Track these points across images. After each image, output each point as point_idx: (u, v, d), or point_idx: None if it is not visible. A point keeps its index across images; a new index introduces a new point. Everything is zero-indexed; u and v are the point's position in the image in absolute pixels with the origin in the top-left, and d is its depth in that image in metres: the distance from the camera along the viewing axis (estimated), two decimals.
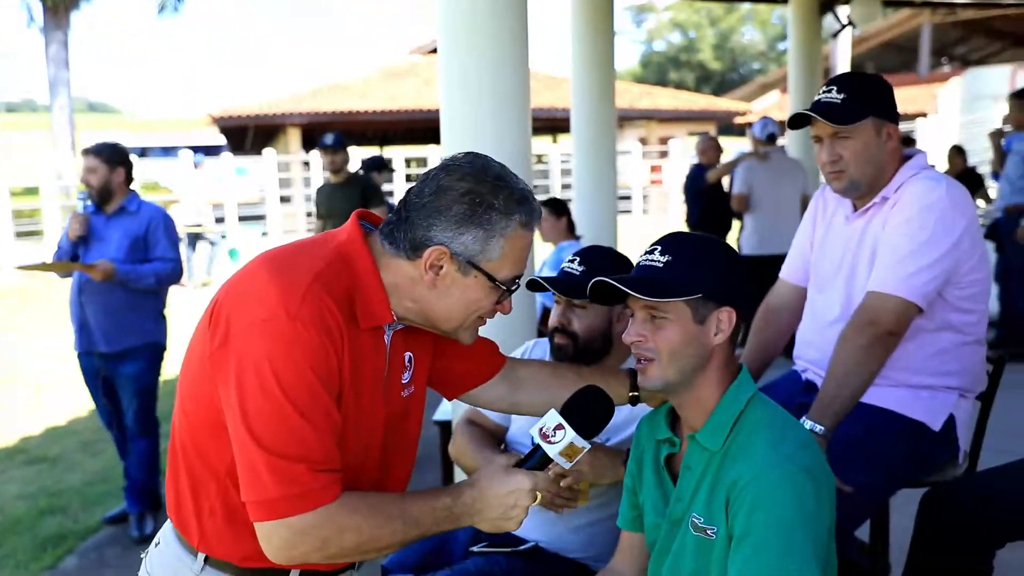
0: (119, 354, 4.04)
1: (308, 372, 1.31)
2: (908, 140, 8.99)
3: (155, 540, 1.58)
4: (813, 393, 2.20)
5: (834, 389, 2.10)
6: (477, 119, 3.12)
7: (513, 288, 1.48)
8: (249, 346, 1.31)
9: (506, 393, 1.78)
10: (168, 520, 1.55)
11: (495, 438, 2.30)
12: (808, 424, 2.09)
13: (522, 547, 2.12)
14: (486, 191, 1.40)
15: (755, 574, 1.43)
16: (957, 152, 8.84)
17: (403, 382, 1.55)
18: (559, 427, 1.44)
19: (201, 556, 1.46)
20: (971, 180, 8.57)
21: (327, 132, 6.35)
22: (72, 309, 4.11)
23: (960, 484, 2.26)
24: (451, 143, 3.15)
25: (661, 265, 1.56)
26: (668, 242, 1.60)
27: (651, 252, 1.60)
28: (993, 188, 9.73)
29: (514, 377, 1.78)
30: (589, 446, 1.45)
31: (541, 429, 1.45)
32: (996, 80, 18.30)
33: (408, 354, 1.56)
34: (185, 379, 1.45)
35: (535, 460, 1.46)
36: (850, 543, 2.31)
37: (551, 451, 1.44)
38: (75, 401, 6.70)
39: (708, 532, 1.54)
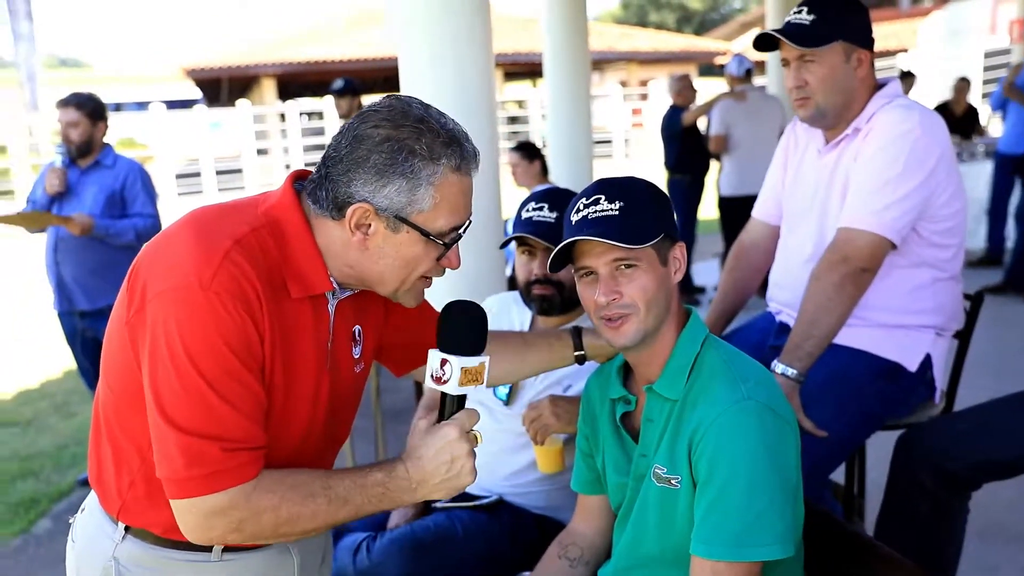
0: (100, 311, 3.96)
1: (221, 346, 1.22)
2: (907, 75, 8.64)
3: (82, 506, 1.52)
4: (786, 335, 2.13)
5: (805, 330, 2.04)
6: (434, 61, 2.99)
7: (451, 241, 1.37)
8: (160, 315, 1.22)
9: None
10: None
11: None
12: (780, 368, 2.03)
13: (485, 500, 2.08)
14: (405, 136, 1.29)
15: (722, 516, 1.38)
16: (964, 83, 8.30)
17: (354, 357, 1.47)
18: (444, 362, 1.36)
19: (121, 525, 1.40)
20: (972, 118, 8.31)
21: (305, 81, 6.13)
22: (48, 268, 4.03)
23: (936, 425, 2.21)
24: (409, 89, 3.02)
25: (618, 213, 1.48)
26: (609, 189, 1.51)
27: (595, 203, 1.50)
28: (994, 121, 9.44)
29: None
30: (486, 359, 1.38)
31: (431, 375, 1.37)
32: (977, 14, 18.06)
33: (357, 327, 1.47)
34: (108, 346, 1.37)
35: (448, 407, 1.38)
36: (824, 486, 2.27)
37: (452, 389, 1.36)
38: (48, 363, 6.61)
39: (672, 482, 1.48)
